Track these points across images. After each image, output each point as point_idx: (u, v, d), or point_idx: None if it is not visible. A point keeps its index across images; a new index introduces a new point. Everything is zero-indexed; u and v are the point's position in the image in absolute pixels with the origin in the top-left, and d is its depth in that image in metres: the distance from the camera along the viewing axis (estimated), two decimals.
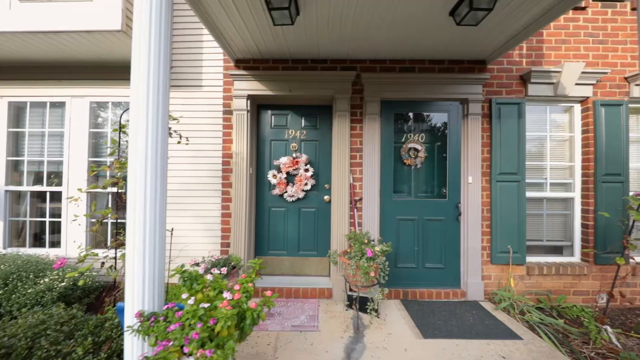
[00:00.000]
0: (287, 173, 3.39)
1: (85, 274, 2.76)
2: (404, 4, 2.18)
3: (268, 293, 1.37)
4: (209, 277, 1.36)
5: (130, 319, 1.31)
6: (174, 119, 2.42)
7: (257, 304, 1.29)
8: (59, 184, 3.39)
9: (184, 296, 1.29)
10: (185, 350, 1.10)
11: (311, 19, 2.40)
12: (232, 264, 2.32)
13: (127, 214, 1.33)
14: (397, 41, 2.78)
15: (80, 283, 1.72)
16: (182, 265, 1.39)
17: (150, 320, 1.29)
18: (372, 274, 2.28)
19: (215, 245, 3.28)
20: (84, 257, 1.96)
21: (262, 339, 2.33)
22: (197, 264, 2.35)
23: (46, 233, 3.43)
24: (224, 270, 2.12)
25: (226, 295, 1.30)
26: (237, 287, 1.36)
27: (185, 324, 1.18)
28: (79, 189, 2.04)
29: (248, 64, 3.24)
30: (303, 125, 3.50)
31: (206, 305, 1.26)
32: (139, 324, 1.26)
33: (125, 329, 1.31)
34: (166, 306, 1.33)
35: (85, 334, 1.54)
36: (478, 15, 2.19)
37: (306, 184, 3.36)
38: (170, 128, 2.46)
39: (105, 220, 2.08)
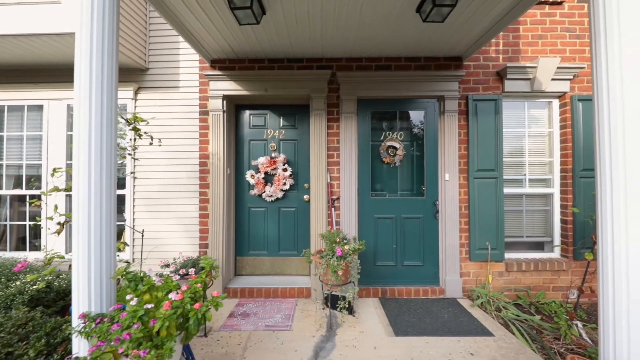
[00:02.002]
0: (266, 173, 3.39)
1: (61, 276, 2.78)
2: (369, 1, 2.17)
3: (215, 293, 1.36)
4: (155, 279, 1.36)
5: (76, 321, 1.31)
6: (143, 121, 2.41)
7: (201, 304, 1.28)
8: (39, 187, 3.39)
9: (127, 297, 1.29)
10: (120, 350, 1.10)
11: (278, 17, 2.40)
12: (201, 264, 2.31)
13: (72, 216, 1.33)
14: (368, 40, 2.78)
15: (41, 285, 1.72)
16: (127, 267, 1.38)
17: (96, 322, 1.29)
18: (340, 273, 2.28)
19: (194, 246, 3.28)
20: (49, 259, 1.96)
21: (233, 339, 2.33)
22: (167, 265, 2.35)
23: (26, 236, 3.43)
24: (192, 271, 2.11)
25: (172, 296, 1.30)
26: (184, 287, 1.36)
27: (125, 324, 1.18)
28: (43, 192, 2.04)
29: (224, 64, 3.23)
30: (282, 124, 3.49)
31: (150, 306, 1.26)
32: (83, 325, 1.26)
33: (71, 330, 1.31)
34: (113, 307, 1.33)
35: (40, 335, 1.54)
36: (443, 11, 2.18)
37: (285, 184, 3.36)
38: (139, 130, 2.47)
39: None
